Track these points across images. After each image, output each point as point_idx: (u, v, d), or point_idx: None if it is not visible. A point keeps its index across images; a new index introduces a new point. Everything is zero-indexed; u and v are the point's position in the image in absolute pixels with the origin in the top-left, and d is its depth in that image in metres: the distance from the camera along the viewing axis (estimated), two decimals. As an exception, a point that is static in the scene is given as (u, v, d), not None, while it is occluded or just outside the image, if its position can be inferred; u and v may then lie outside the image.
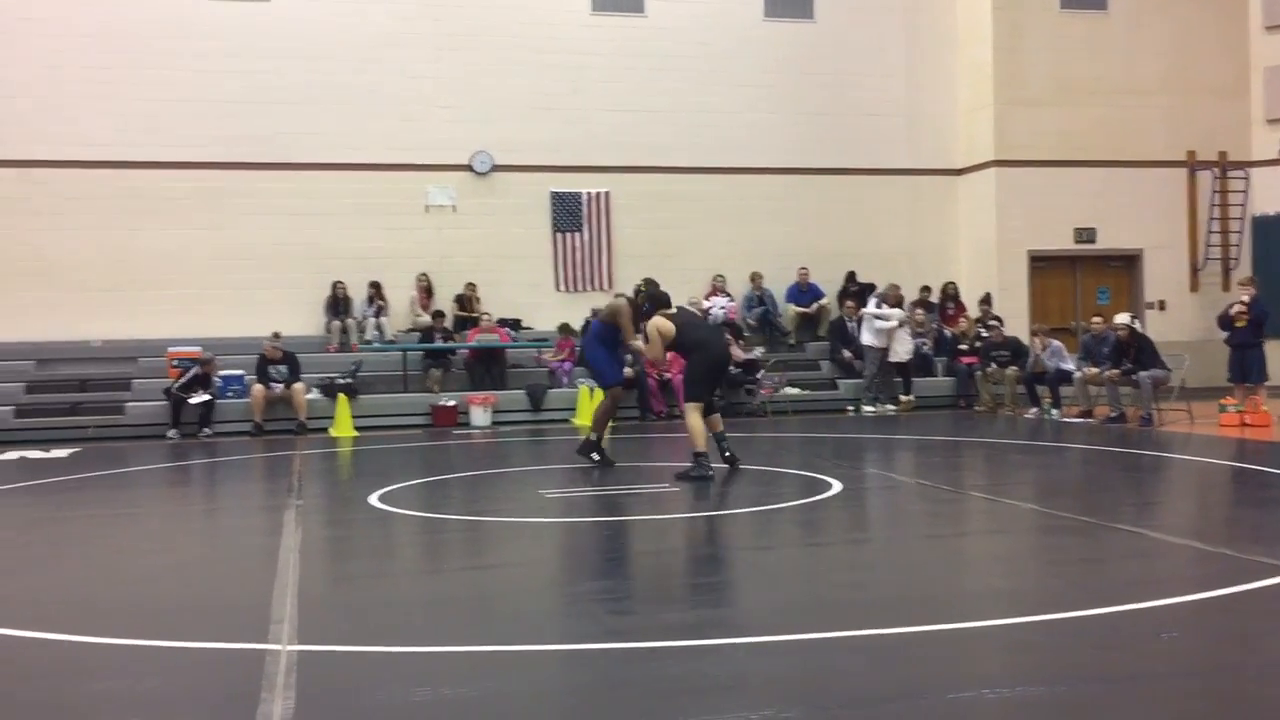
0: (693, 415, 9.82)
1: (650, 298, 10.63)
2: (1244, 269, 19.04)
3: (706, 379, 10.10)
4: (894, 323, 16.96)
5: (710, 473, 9.61)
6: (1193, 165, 19.65)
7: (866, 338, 17.11)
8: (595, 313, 17.02)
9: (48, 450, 13.70)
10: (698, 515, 8.40)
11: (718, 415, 10.40)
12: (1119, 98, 19.28)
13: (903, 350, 17.08)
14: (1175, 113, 19.49)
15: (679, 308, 10.68)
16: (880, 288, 18.01)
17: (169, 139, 17.21)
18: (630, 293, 12.20)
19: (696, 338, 10.13)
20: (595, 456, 10.76)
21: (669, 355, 11.14)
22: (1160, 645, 4.66)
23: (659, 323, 10.10)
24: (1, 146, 16.76)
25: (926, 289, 18.82)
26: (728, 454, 10.15)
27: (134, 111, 17.14)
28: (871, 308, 17.19)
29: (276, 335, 16.00)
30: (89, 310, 16.92)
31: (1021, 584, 5.99)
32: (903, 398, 17.04)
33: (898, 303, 17.42)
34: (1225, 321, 14.81)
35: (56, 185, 16.99)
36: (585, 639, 4.94)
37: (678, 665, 4.51)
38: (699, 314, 9.79)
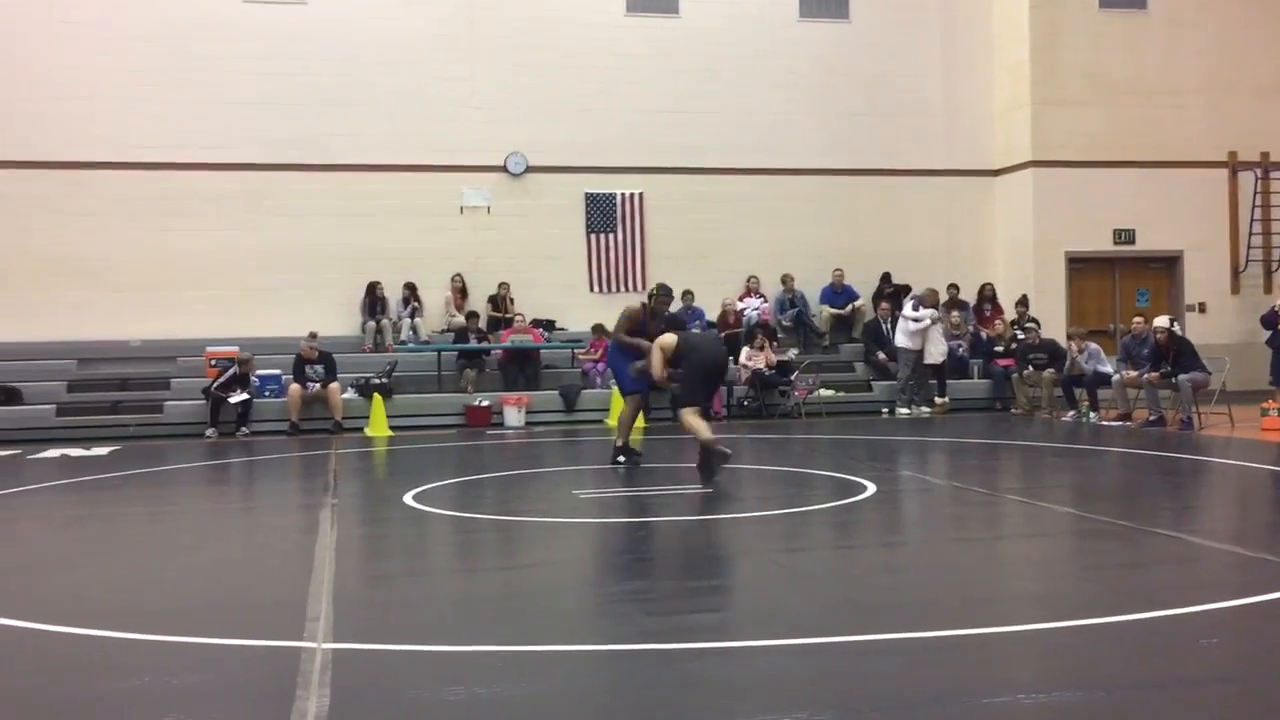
0: (689, 416, 9.89)
1: (666, 322, 10.83)
2: (1286, 271, 18.80)
3: (703, 382, 10.19)
4: (926, 322, 16.83)
5: (728, 450, 9.67)
6: (1234, 166, 19.41)
7: (901, 339, 16.99)
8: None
9: (88, 448, 13.88)
10: (731, 516, 8.38)
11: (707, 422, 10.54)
12: (1159, 97, 19.08)
13: (937, 352, 16.96)
14: (1216, 113, 19.25)
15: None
16: (916, 289, 17.89)
17: (208, 141, 17.40)
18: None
19: (690, 344, 10.26)
20: (621, 460, 10.86)
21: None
22: (1199, 651, 4.61)
23: (663, 339, 10.27)
24: (44, 148, 17.00)
25: (954, 287, 18.62)
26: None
27: (174, 114, 17.34)
28: (908, 310, 17.07)
29: (313, 335, 16.12)
30: (129, 310, 17.13)
31: (1058, 588, 5.93)
32: (938, 400, 16.94)
33: (934, 305, 17.29)
34: (1270, 320, 14.60)
35: (98, 186, 17.21)
36: (618, 640, 4.94)
37: (710, 666, 4.50)
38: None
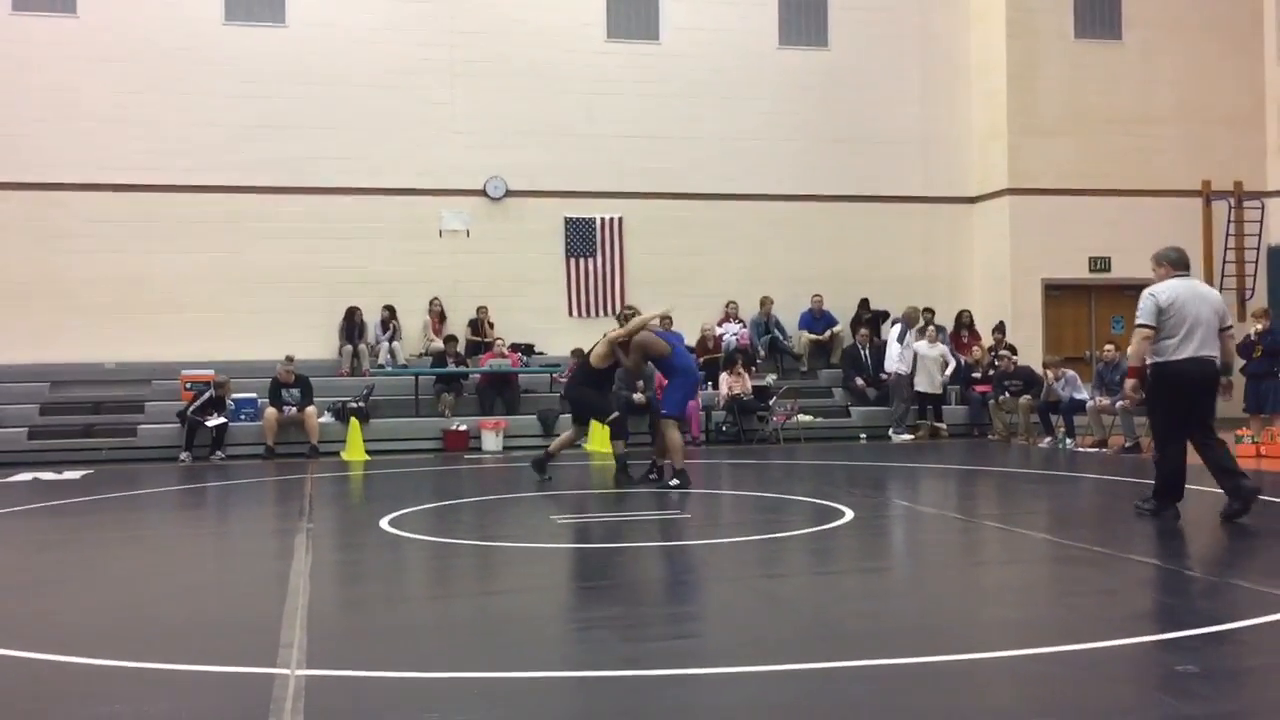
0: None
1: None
2: (1259, 299, 18.96)
3: None
4: (946, 361, 17.08)
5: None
6: (1208, 195, 19.63)
7: (895, 365, 16.94)
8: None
9: (60, 472, 13.73)
10: (710, 542, 8.36)
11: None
12: (1133, 127, 19.29)
13: (937, 380, 17.10)
14: (1190, 142, 19.48)
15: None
16: (896, 313, 17.99)
17: (186, 163, 17.35)
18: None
19: None
20: (674, 482, 10.75)
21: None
22: (1176, 678, 4.61)
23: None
24: (20, 169, 16.93)
25: (930, 311, 18.71)
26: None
27: (151, 135, 17.29)
28: (895, 334, 17.04)
29: (290, 359, 16.04)
30: (103, 332, 17.03)
31: (1034, 615, 5.93)
32: (939, 425, 17.02)
33: (912, 322, 17.39)
34: (1246, 349, 14.69)
35: (73, 208, 17.13)
36: (595, 666, 4.90)
37: (688, 693, 4.48)
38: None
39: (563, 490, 11.45)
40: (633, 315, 11.60)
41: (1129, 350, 8.60)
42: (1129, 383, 8.54)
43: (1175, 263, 8.48)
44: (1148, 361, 8.32)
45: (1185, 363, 8.16)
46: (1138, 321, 8.32)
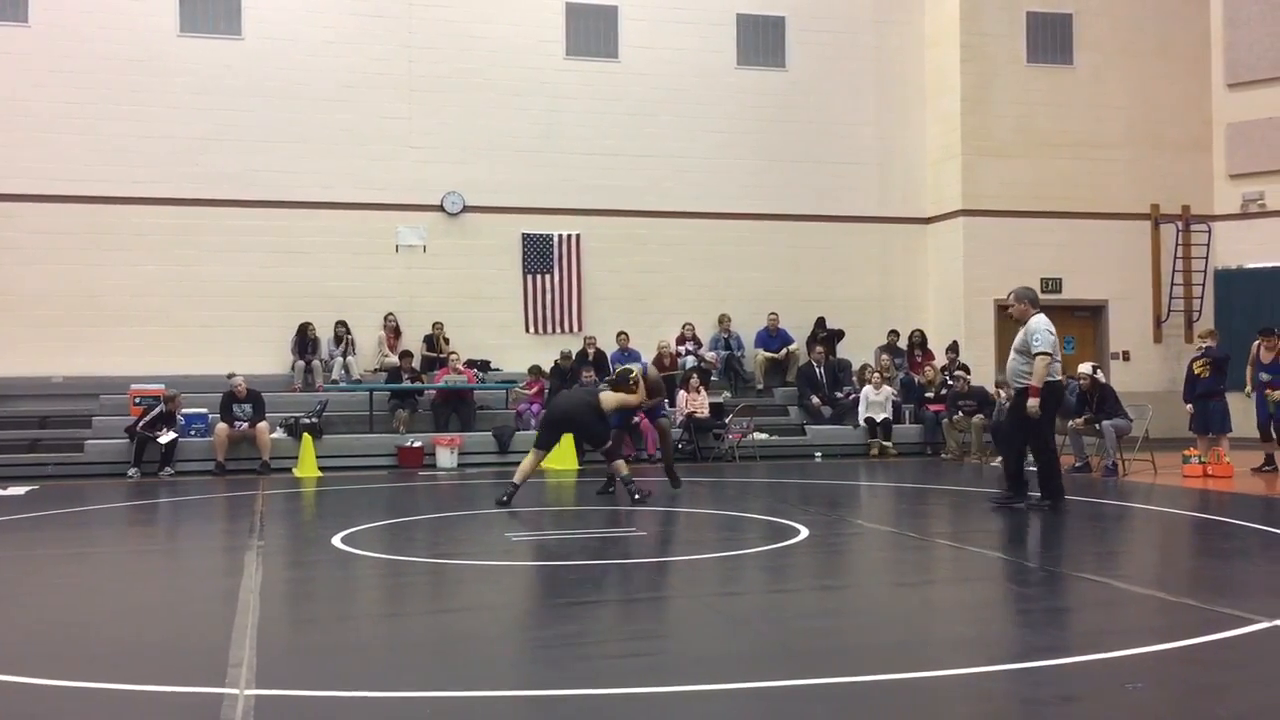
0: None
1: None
2: (1206, 321, 19.28)
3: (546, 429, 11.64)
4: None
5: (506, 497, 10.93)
6: (1156, 218, 19.97)
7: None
8: (566, 356, 17.04)
9: (5, 488, 13.46)
10: (665, 560, 8.36)
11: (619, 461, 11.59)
12: (1084, 150, 19.61)
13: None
14: (1139, 166, 19.84)
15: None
16: (852, 332, 18.15)
17: (138, 174, 17.16)
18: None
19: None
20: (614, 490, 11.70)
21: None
22: (1125, 695, 4.65)
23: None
24: (-33, 179, 16.65)
25: (894, 333, 19.01)
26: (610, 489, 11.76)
27: (104, 146, 17.09)
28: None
29: (231, 376, 15.79)
30: (52, 346, 16.77)
31: (987, 633, 5.97)
32: (886, 444, 17.15)
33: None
34: (1193, 372, 14.79)
35: (23, 219, 16.88)
36: (550, 685, 4.88)
37: (646, 712, 4.46)
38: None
39: (518, 507, 11.40)
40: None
41: (1036, 372, 10.25)
42: (1033, 401, 10.12)
43: (1034, 300, 10.71)
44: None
45: (1058, 382, 10.32)
46: (1044, 349, 10.14)
